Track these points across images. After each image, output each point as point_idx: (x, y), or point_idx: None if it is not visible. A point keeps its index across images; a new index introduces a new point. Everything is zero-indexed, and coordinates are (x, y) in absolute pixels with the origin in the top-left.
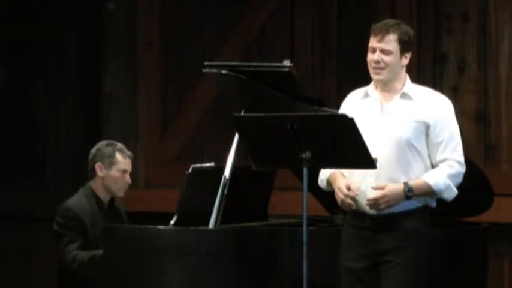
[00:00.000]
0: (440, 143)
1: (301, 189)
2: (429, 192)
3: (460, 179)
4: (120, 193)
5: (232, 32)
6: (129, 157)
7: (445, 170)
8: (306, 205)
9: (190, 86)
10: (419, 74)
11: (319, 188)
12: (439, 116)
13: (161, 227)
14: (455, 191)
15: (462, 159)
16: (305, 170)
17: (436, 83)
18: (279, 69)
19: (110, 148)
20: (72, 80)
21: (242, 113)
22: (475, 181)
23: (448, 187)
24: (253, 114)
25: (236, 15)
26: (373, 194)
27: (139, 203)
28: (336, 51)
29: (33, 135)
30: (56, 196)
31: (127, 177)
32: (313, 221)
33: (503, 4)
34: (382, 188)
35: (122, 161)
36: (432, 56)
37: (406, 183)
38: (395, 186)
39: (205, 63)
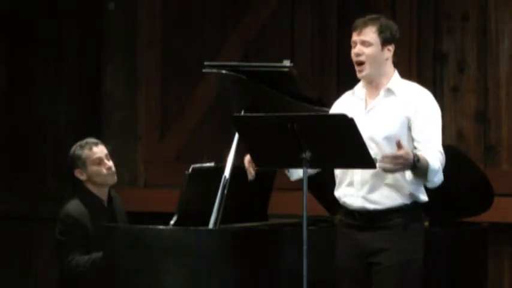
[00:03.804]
0: (423, 132)
1: (301, 189)
2: (426, 170)
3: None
4: (110, 180)
5: (232, 32)
6: (94, 144)
7: (437, 155)
8: (306, 205)
9: (190, 86)
10: (419, 74)
11: (320, 188)
12: (419, 107)
13: (161, 227)
14: (442, 178)
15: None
16: (305, 170)
17: (436, 83)
18: (279, 69)
19: (74, 150)
20: (72, 80)
21: (242, 113)
22: (475, 181)
23: (439, 170)
24: (253, 114)
25: (236, 15)
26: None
27: (139, 203)
28: (336, 51)
29: (33, 135)
30: (56, 196)
31: (106, 162)
32: (313, 221)
33: (503, 4)
34: (400, 147)
35: (90, 153)
36: (432, 56)
37: (413, 152)
38: (409, 152)
39: (205, 63)
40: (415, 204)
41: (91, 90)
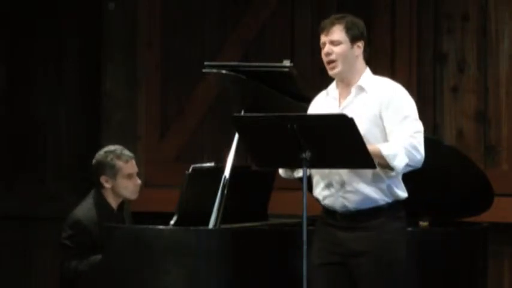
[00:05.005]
0: (394, 125)
1: (301, 189)
2: (378, 152)
3: (415, 163)
4: (133, 196)
5: (232, 32)
6: (130, 158)
7: (400, 139)
8: (306, 205)
9: (190, 86)
10: (419, 74)
11: None
12: (390, 102)
13: (161, 227)
14: (407, 160)
15: (420, 147)
16: (305, 170)
17: (436, 83)
18: (279, 69)
19: (109, 157)
20: (72, 80)
21: (242, 113)
22: (475, 181)
23: (397, 153)
24: (253, 114)
25: (236, 15)
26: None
27: (139, 203)
28: None
29: (33, 135)
30: (56, 196)
31: (136, 179)
32: (313, 221)
33: (503, 4)
34: None
35: (125, 166)
36: (432, 56)
37: None
38: None
39: (205, 63)
40: (396, 202)
41: (91, 90)
